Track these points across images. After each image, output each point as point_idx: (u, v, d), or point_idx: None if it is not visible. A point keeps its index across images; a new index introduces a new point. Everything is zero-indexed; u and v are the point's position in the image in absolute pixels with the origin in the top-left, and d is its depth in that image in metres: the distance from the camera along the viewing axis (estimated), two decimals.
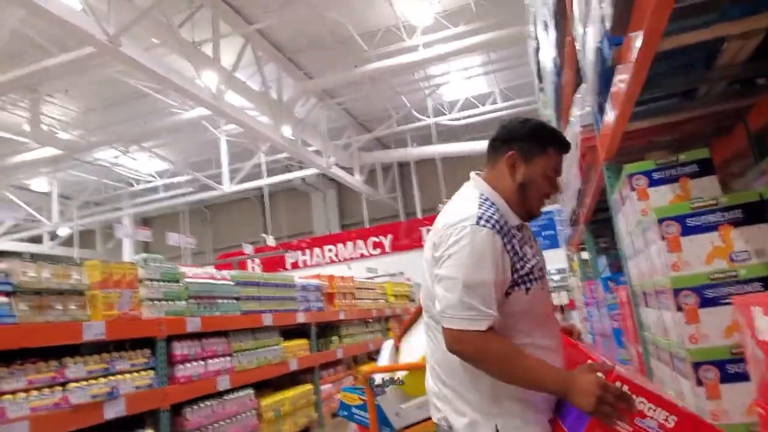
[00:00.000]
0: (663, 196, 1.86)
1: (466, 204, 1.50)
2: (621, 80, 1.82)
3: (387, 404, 1.83)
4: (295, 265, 13.84)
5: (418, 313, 2.10)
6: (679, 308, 1.57)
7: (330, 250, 14.05)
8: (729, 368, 1.48)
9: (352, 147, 13.28)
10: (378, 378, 1.89)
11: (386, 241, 13.66)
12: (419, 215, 14.75)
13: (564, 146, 1.59)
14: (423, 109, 13.13)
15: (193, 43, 8.03)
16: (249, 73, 9.38)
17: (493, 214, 1.45)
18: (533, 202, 1.55)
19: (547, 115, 6.70)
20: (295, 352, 5.10)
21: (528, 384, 1.37)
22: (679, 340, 1.62)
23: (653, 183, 1.89)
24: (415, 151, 14.05)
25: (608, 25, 1.60)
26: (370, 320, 7.42)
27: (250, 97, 9.21)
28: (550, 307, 1.57)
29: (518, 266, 1.45)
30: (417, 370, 1.78)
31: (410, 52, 9.45)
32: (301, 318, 5.24)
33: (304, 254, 13.98)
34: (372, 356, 7.25)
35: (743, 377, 1.46)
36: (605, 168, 2.52)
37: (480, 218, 1.43)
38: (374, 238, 13.76)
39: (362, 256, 13.63)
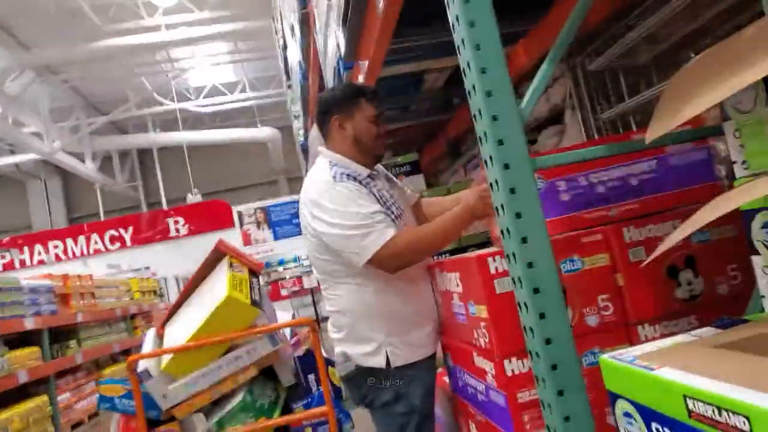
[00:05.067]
0: None
1: (320, 174, 1.68)
2: None
3: (154, 388, 1.92)
4: (9, 266, 11.73)
5: (180, 301, 2.21)
6: None
7: (56, 247, 12.26)
8: None
9: (81, 131, 11.85)
10: (142, 365, 1.96)
11: (127, 234, 12.50)
12: (164, 205, 13.94)
13: (370, 94, 1.74)
14: (166, 93, 12.43)
15: None
16: None
17: (344, 171, 1.64)
18: (372, 145, 1.72)
19: (295, 110, 7.15)
20: (24, 362, 4.51)
21: (452, 235, 1.59)
22: None
23: None
24: (159, 138, 13.21)
25: (342, 52, 1.97)
26: (114, 320, 6.89)
27: None
28: None
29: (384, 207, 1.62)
30: (181, 352, 1.91)
31: (151, 31, 8.90)
32: (29, 324, 4.64)
33: (22, 253, 11.92)
34: (116, 358, 6.83)
35: None
36: None
37: (334, 177, 1.62)
38: (112, 231, 12.47)
39: (98, 251, 12.24)
